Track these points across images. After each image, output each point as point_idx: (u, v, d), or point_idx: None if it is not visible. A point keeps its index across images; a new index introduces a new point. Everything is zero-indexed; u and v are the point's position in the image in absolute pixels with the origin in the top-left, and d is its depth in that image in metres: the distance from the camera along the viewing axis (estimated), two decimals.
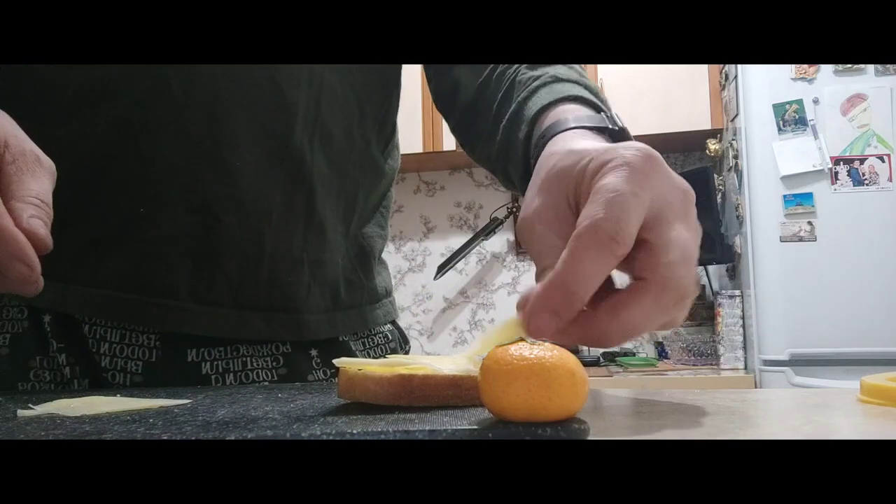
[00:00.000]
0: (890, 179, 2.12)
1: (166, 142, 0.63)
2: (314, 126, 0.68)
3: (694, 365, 2.56)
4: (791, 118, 2.19)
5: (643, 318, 0.37)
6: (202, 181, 0.64)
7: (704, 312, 2.65)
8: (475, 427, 0.34)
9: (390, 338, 0.80)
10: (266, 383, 0.68)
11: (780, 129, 2.20)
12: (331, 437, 0.33)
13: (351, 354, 0.73)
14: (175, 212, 0.64)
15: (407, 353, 0.85)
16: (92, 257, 0.65)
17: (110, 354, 0.65)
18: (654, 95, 2.61)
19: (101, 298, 0.64)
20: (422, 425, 0.34)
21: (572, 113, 0.53)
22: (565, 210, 0.42)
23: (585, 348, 2.59)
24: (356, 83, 0.72)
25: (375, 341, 0.78)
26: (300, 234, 0.68)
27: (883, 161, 2.13)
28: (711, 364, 2.54)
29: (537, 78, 0.62)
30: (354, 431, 0.33)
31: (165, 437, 0.34)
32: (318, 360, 0.72)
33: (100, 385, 0.65)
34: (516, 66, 0.66)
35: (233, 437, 0.33)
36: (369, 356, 0.77)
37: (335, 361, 0.46)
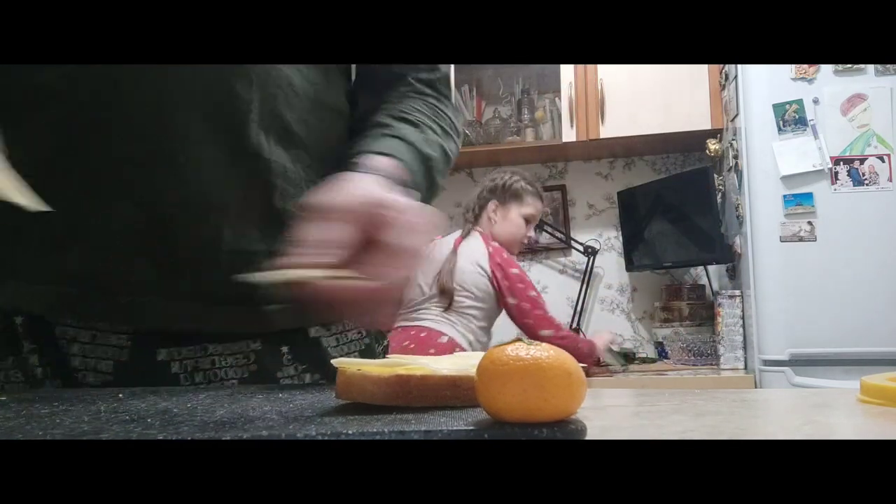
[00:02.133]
0: (890, 179, 2.12)
1: (116, 140, 0.64)
2: (270, 121, 0.68)
3: (694, 365, 2.56)
4: (791, 118, 2.19)
5: None
6: (154, 177, 0.64)
7: (704, 312, 2.65)
8: (471, 428, 0.34)
9: (364, 333, 0.80)
10: (235, 381, 0.68)
11: (780, 129, 2.19)
12: (326, 438, 0.33)
13: (322, 351, 0.73)
14: (129, 208, 0.64)
15: (385, 347, 0.85)
16: (53, 255, 0.65)
17: (81, 355, 0.66)
18: (654, 95, 2.61)
19: (65, 296, 0.65)
20: (418, 426, 0.34)
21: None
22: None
23: None
24: (311, 76, 0.72)
25: (349, 336, 0.77)
26: (258, 227, 0.69)
27: (883, 161, 2.13)
28: (711, 364, 2.53)
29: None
30: (350, 432, 0.33)
31: (161, 437, 0.34)
32: (289, 357, 0.71)
33: (71, 385, 0.66)
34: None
35: (228, 437, 0.33)
36: (343, 351, 0.76)
37: (334, 362, 0.45)
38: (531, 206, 2.35)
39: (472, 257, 2.20)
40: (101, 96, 0.63)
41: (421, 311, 2.17)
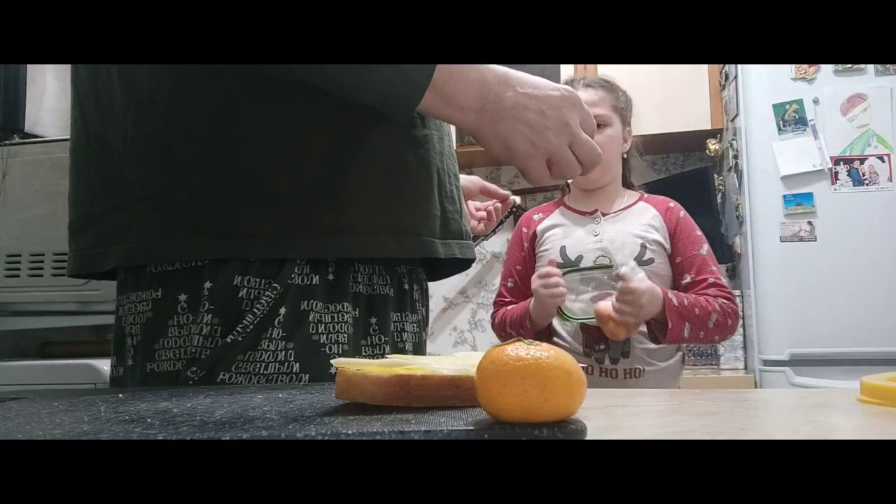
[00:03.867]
0: (890, 179, 2.12)
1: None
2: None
3: (694, 365, 2.56)
4: (791, 118, 2.19)
5: None
6: None
7: None
8: (471, 428, 0.34)
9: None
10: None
11: (780, 129, 2.19)
12: (326, 438, 0.33)
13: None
14: None
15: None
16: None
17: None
18: (653, 95, 2.60)
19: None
20: (418, 426, 0.34)
21: None
22: None
23: None
24: None
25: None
26: None
27: (883, 161, 2.13)
28: (711, 364, 2.53)
29: None
30: (350, 432, 0.33)
31: (161, 437, 0.34)
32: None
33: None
34: None
35: (228, 438, 0.33)
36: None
37: (334, 362, 0.45)
38: None
39: None
40: None
41: None
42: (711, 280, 1.51)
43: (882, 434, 0.38)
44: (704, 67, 2.57)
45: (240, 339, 0.67)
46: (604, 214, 1.64)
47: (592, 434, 0.35)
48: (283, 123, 0.70)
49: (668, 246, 1.56)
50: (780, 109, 2.20)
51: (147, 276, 0.71)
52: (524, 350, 0.34)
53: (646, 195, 1.69)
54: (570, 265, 1.56)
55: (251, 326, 0.68)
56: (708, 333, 1.46)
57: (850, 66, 2.15)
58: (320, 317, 0.71)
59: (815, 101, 2.17)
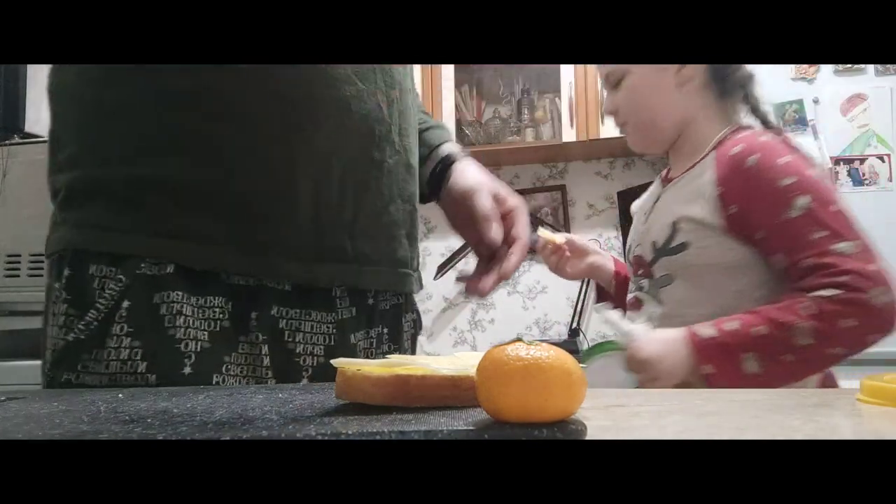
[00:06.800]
0: (890, 179, 2.12)
1: None
2: None
3: None
4: (791, 118, 2.19)
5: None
6: None
7: None
8: (471, 428, 0.34)
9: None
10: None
11: None
12: (326, 438, 0.33)
13: None
14: None
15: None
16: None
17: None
18: None
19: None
20: (418, 426, 0.34)
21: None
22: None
23: None
24: None
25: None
26: None
27: (883, 161, 2.12)
28: None
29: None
30: (350, 432, 0.33)
31: (161, 437, 0.34)
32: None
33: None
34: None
35: (228, 438, 0.33)
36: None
37: (333, 362, 0.45)
38: None
39: None
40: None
41: None
42: (810, 262, 0.95)
43: (882, 434, 0.38)
44: None
45: (82, 336, 0.64)
46: (666, 183, 1.17)
47: (592, 434, 0.35)
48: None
49: (720, 218, 1.02)
50: (780, 109, 2.20)
51: (47, 264, 0.73)
52: (524, 350, 0.34)
53: (726, 140, 1.09)
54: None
55: (95, 323, 0.64)
56: (810, 353, 0.93)
57: (850, 66, 2.15)
58: (179, 308, 0.65)
59: (815, 101, 2.17)
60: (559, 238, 1.36)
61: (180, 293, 0.66)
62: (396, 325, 0.84)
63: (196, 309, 0.67)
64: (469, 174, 0.86)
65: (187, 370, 0.65)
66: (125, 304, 0.65)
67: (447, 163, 0.88)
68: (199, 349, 0.66)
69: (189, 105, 0.68)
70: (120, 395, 0.52)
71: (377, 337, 0.81)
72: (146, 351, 0.64)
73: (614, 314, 1.06)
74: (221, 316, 0.68)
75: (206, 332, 0.67)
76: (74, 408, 0.45)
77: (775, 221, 0.98)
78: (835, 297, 0.92)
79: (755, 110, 1.15)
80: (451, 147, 0.90)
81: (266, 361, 0.70)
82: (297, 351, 0.73)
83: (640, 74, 1.17)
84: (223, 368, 0.67)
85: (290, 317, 0.72)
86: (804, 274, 0.96)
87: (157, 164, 0.68)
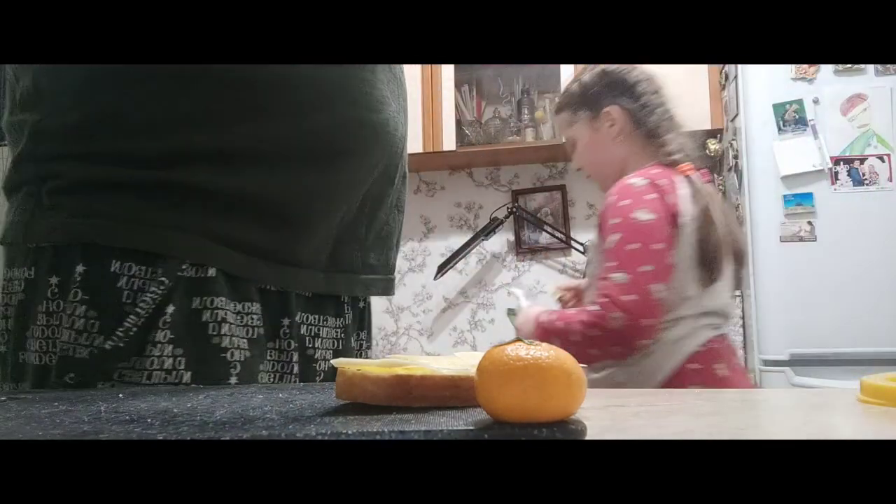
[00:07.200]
0: (890, 179, 2.12)
1: None
2: None
3: None
4: (791, 118, 2.19)
5: None
6: None
7: None
8: (471, 428, 0.34)
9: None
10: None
11: (780, 129, 2.19)
12: (326, 438, 0.33)
13: None
14: None
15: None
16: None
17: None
18: None
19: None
20: (418, 426, 0.34)
21: None
22: None
23: None
24: None
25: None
26: None
27: (883, 161, 2.12)
28: None
29: None
30: (350, 432, 0.33)
31: (161, 437, 0.34)
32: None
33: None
34: None
35: (228, 438, 0.33)
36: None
37: (333, 362, 0.45)
38: None
39: None
40: None
41: None
42: (597, 282, 1.25)
43: (882, 434, 0.38)
44: (704, 67, 2.57)
45: (121, 344, 0.59)
46: None
47: (592, 434, 0.35)
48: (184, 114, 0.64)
49: (598, 239, 1.32)
50: (780, 109, 2.20)
51: (22, 252, 0.64)
52: (524, 350, 0.34)
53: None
54: None
55: (134, 329, 0.59)
56: (578, 348, 1.21)
57: (850, 66, 2.15)
58: (223, 315, 0.61)
59: (815, 101, 2.17)
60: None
61: (224, 299, 0.62)
62: (369, 324, 0.87)
63: (236, 315, 0.63)
64: None
65: (233, 380, 0.62)
66: (170, 308, 0.60)
67: None
68: (242, 358, 0.63)
69: (248, 118, 0.66)
70: (120, 395, 0.52)
71: (366, 338, 0.84)
72: (190, 359, 0.60)
73: (518, 291, 1.49)
74: (258, 323, 0.66)
75: (245, 340, 0.64)
76: (75, 408, 0.45)
77: (601, 248, 1.29)
78: (593, 312, 1.23)
79: (669, 152, 1.39)
80: None
81: (295, 369, 0.69)
82: (315, 357, 0.73)
83: (584, 137, 1.48)
84: (258, 377, 0.65)
85: (311, 322, 0.73)
86: (595, 290, 1.27)
87: (200, 171, 0.64)
